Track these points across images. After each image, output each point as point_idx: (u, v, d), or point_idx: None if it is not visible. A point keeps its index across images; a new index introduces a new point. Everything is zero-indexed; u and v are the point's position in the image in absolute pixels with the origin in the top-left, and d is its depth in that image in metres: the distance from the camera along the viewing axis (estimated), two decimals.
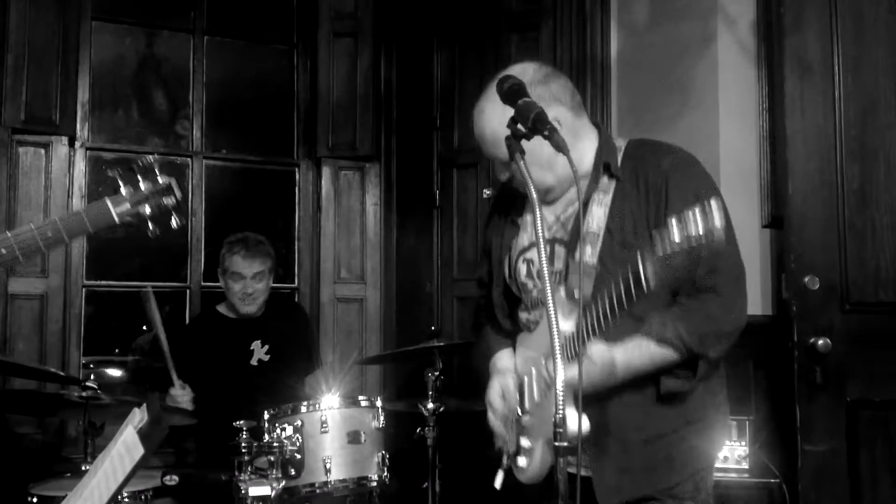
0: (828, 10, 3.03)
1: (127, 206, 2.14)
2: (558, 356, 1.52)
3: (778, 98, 3.12)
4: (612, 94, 3.80)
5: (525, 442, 2.03)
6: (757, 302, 3.20)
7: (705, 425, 2.03)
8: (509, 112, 1.72)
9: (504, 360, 2.20)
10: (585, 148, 2.04)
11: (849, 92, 3.01)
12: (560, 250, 2.04)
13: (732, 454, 3.09)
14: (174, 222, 2.22)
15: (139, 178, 2.17)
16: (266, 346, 3.72)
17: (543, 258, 1.61)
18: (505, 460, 2.13)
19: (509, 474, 2.13)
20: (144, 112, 4.80)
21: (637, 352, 1.89)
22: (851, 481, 2.93)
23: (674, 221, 1.51)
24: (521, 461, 2.04)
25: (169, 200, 2.19)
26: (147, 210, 2.17)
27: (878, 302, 2.96)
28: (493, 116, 1.94)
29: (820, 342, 2.92)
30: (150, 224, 2.18)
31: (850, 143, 3.00)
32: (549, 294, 1.57)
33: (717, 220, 1.47)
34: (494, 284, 2.25)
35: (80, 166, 4.41)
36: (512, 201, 2.20)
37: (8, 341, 4.05)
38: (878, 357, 2.96)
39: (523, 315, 2.15)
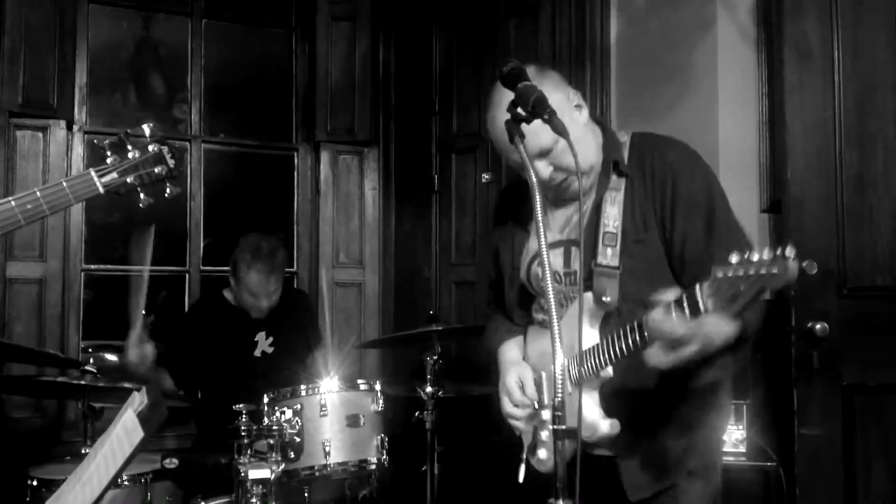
0: None
1: (113, 175, 2.06)
2: (558, 347, 1.53)
3: (777, 83, 3.12)
4: (611, 79, 3.80)
5: (545, 435, 2.04)
6: None
7: (716, 409, 2.05)
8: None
9: (513, 351, 2.22)
10: (589, 142, 2.02)
11: (848, 77, 3.00)
12: (575, 252, 2.03)
13: (730, 438, 3.11)
14: (168, 191, 2.14)
15: (128, 146, 2.09)
16: (271, 338, 3.71)
17: (543, 243, 1.61)
18: (525, 454, 2.15)
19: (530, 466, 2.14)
20: (142, 96, 4.79)
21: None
22: (846, 464, 2.95)
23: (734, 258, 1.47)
24: (542, 453, 2.05)
25: (160, 169, 2.11)
26: (136, 180, 2.09)
27: (874, 287, 2.97)
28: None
29: (817, 326, 2.93)
30: (140, 194, 2.10)
31: (849, 129, 3.00)
32: (550, 290, 1.57)
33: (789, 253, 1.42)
34: (508, 287, 2.24)
35: (78, 150, 4.41)
36: (518, 207, 2.18)
37: (6, 325, 4.06)
38: (874, 342, 2.96)
39: (539, 315, 2.16)
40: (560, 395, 1.53)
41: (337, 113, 4.83)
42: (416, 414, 3.33)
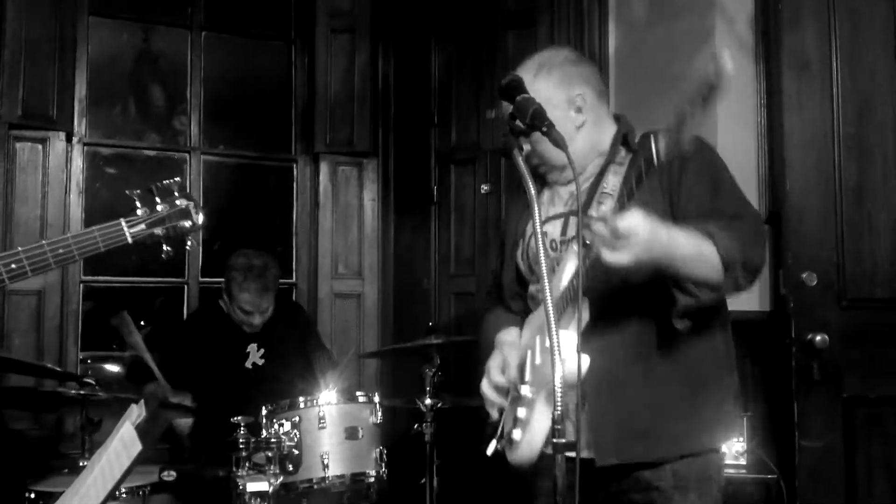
0: (825, 7, 3.03)
1: (142, 227, 2.13)
2: (558, 359, 1.52)
3: (775, 94, 3.12)
4: (609, 90, 3.79)
5: (522, 412, 2.00)
6: (754, 298, 3.21)
7: (711, 403, 2.01)
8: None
9: (511, 334, 2.20)
10: (604, 132, 2.12)
11: (846, 88, 3.01)
12: (572, 221, 2.06)
13: (730, 450, 3.09)
14: (189, 245, 2.23)
15: (157, 199, 2.16)
16: (262, 350, 3.72)
17: (540, 247, 1.62)
18: (498, 437, 2.12)
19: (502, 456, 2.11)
20: (142, 108, 4.79)
21: (679, 231, 1.81)
22: (847, 477, 2.94)
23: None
24: (516, 433, 2.01)
25: (186, 223, 2.19)
26: (162, 232, 2.15)
27: (874, 298, 2.97)
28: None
29: (817, 338, 2.92)
30: (164, 246, 2.17)
31: (848, 140, 3.00)
32: (545, 268, 1.60)
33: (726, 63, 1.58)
34: (505, 270, 2.27)
35: (78, 162, 4.41)
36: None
37: (5, 337, 4.05)
38: (875, 353, 2.96)
39: (533, 288, 2.17)
40: (560, 409, 1.51)
41: (336, 124, 4.84)
42: (415, 426, 3.32)
